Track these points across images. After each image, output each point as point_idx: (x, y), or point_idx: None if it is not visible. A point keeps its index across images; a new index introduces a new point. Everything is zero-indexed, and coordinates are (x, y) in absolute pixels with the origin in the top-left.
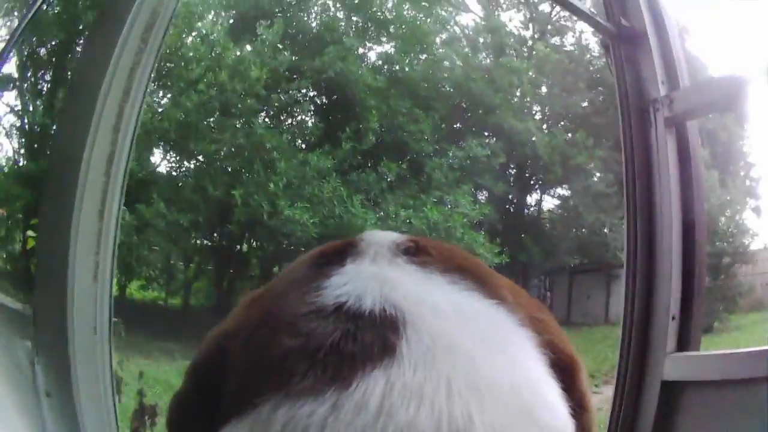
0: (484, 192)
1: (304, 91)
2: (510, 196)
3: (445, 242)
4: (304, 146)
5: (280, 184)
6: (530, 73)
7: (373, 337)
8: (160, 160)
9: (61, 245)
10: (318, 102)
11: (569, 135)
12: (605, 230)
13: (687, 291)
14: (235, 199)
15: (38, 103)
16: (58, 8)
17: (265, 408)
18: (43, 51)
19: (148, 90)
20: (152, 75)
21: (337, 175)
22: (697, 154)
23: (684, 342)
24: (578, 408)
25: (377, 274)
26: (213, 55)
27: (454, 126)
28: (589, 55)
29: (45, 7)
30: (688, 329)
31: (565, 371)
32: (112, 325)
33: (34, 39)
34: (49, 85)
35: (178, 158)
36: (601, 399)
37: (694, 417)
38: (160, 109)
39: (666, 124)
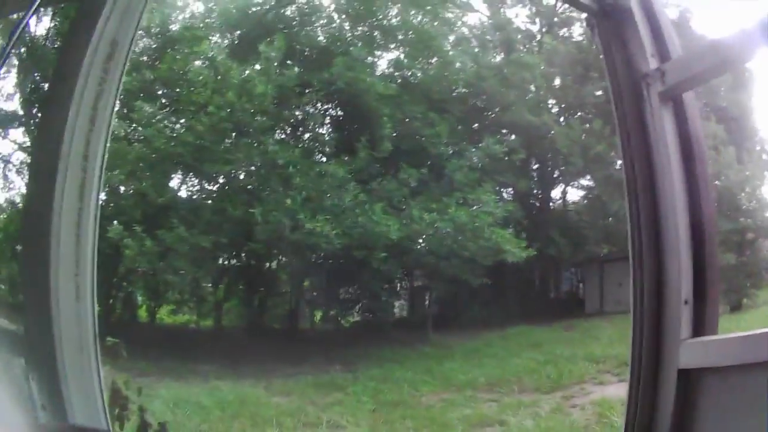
0: (509, 189)
1: (318, 105)
2: (534, 191)
3: None
4: (323, 159)
5: (297, 198)
6: (541, 67)
7: None
8: (179, 185)
9: (42, 268)
10: (332, 114)
11: (587, 125)
12: None
13: (699, 273)
14: (256, 217)
15: None
16: (58, 44)
17: None
18: (46, 86)
19: (114, 116)
20: (116, 102)
21: (356, 184)
22: (697, 127)
23: (700, 327)
24: None
25: None
26: (218, 77)
27: (471, 126)
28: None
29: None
30: (702, 313)
31: None
32: (97, 342)
33: (36, 75)
34: None
35: (195, 181)
36: None
37: (716, 404)
38: (173, 135)
39: (660, 98)
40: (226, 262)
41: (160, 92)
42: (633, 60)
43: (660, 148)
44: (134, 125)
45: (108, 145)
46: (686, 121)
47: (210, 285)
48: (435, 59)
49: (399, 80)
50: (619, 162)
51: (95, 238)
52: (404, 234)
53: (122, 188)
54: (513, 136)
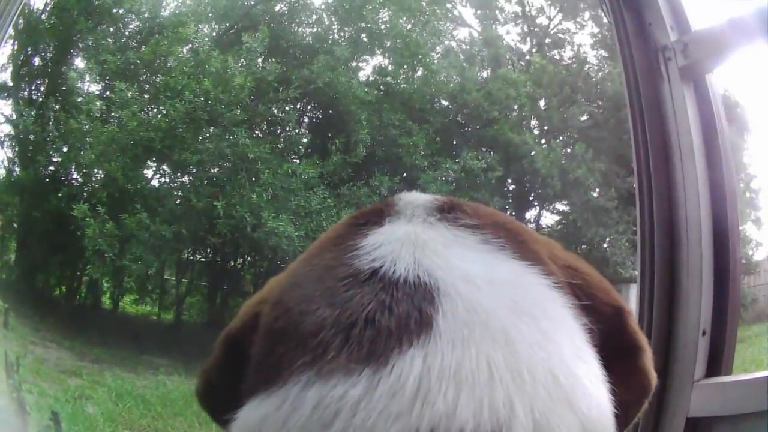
0: None
1: (298, 105)
2: (508, 212)
3: (480, 203)
4: (294, 158)
5: (263, 195)
6: (527, 86)
7: (408, 309)
8: (153, 174)
9: None
10: (308, 114)
11: (568, 149)
12: (605, 245)
13: (719, 295)
14: (218, 210)
15: (32, 112)
16: (53, 19)
17: (294, 386)
18: (37, 60)
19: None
20: None
21: (325, 187)
22: (722, 116)
23: (715, 364)
24: (631, 348)
25: (410, 236)
26: (197, 66)
27: (450, 140)
28: (587, 67)
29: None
30: (720, 346)
31: (610, 318)
32: None
33: (29, 49)
34: (42, 95)
35: (167, 170)
36: None
37: None
38: (147, 119)
39: (682, 75)
40: (190, 257)
41: (142, 77)
42: (649, 30)
43: (680, 137)
44: (111, 105)
45: None
46: (710, 107)
47: (173, 278)
48: (420, 69)
49: (381, 86)
50: (597, 189)
51: None
52: None
53: (94, 169)
54: (492, 153)
